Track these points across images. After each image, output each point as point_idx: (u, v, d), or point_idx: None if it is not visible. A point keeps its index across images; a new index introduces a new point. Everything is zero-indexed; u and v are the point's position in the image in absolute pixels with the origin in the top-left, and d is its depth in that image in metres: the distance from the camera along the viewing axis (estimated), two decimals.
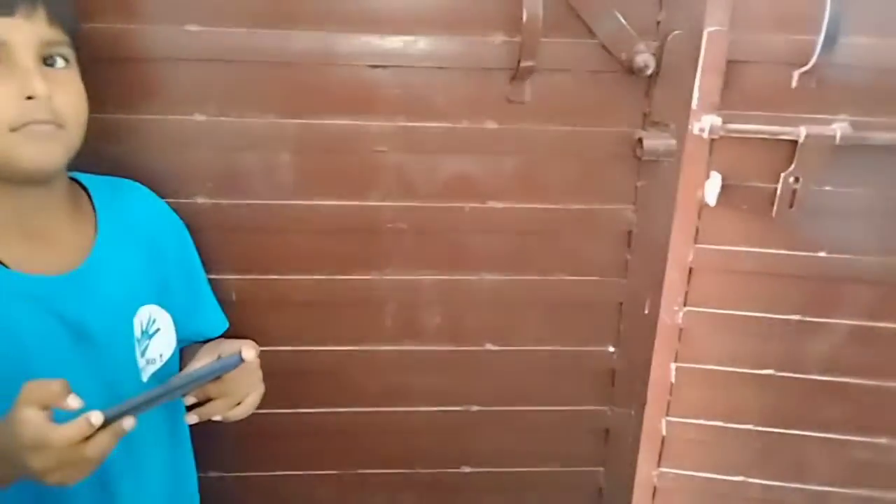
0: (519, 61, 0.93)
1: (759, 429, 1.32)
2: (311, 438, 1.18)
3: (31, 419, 0.63)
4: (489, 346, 1.14)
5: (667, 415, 1.32)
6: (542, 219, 1.06)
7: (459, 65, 0.97)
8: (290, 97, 0.98)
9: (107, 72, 0.90)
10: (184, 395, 0.82)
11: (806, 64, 1.06)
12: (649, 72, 0.94)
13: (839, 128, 1.09)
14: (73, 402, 0.66)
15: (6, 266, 0.75)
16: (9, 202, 0.76)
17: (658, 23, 0.96)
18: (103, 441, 0.65)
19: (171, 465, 0.95)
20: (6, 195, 0.75)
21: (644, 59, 0.93)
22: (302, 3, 0.94)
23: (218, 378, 0.79)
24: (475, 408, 1.18)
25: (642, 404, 1.21)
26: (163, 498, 0.92)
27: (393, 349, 1.12)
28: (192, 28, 0.93)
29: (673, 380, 1.29)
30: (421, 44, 0.97)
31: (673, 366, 1.28)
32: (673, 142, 0.99)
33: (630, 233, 1.08)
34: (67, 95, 0.76)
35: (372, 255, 1.07)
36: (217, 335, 0.98)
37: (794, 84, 1.09)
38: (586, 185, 1.04)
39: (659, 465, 1.37)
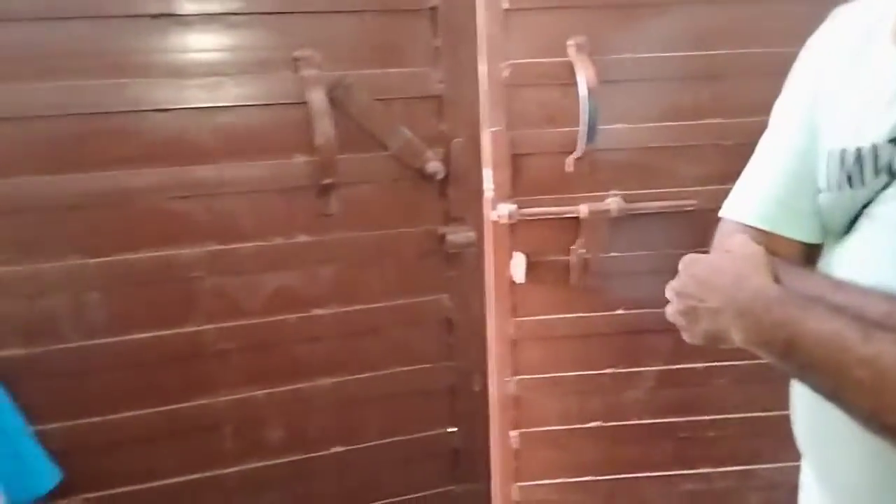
0: (321, 178, 0.99)
1: (600, 478, 1.41)
2: None
3: None
4: (336, 449, 1.16)
5: (515, 481, 1.39)
6: (366, 319, 1.11)
7: (265, 187, 1.02)
8: (92, 237, 0.98)
9: None
10: None
11: (575, 151, 1.21)
12: (440, 176, 1.03)
13: (613, 202, 1.25)
14: None
15: None
16: None
17: (441, 132, 1.06)
18: None
19: None
20: None
21: (434, 165, 1.02)
22: (93, 144, 0.96)
23: None
24: None
25: (487, 478, 1.27)
26: None
27: (237, 471, 1.11)
28: None
29: (517, 446, 1.36)
30: (225, 171, 1.01)
31: (514, 433, 1.36)
32: (472, 233, 1.09)
33: (449, 319, 1.15)
34: None
35: (201, 380, 1.07)
36: (49, 489, 0.93)
37: (569, 169, 1.24)
38: (402, 282, 1.12)
39: None
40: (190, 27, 0.99)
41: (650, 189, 1.26)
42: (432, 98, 1.06)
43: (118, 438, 1.05)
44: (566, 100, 1.18)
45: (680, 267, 0.67)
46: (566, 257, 1.27)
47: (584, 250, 1.27)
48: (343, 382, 1.14)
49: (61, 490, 0.93)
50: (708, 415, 1.40)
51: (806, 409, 0.66)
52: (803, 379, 0.59)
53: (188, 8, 0.97)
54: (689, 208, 1.26)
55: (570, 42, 1.17)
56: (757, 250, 0.63)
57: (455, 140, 1.06)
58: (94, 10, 0.94)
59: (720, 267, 0.64)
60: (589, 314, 1.32)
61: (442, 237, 1.09)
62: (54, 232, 0.98)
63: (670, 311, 0.66)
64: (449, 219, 1.10)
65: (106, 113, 0.97)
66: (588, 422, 1.38)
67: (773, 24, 1.17)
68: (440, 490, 1.25)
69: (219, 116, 1.01)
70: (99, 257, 1.00)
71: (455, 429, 1.22)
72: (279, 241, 1.05)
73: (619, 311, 1.33)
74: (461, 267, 1.14)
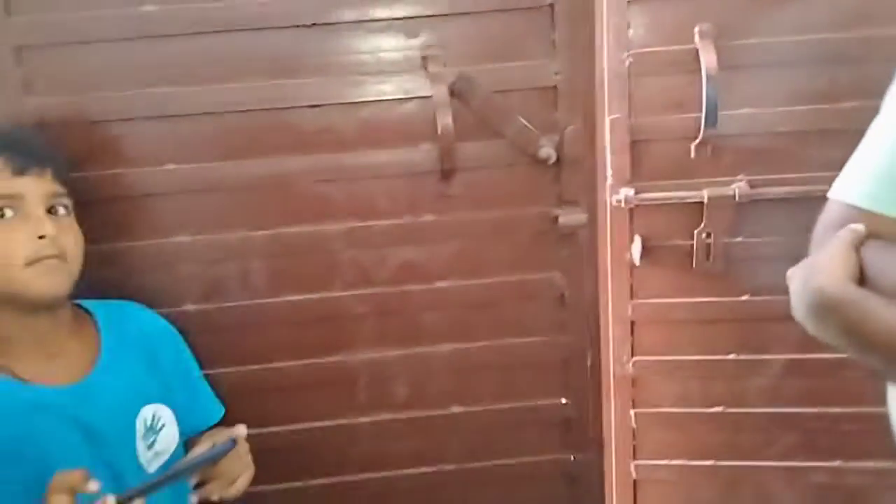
0: (442, 164, 1.11)
1: (722, 463, 1.42)
2: None
3: (59, 502, 0.79)
4: (455, 409, 1.29)
5: (634, 458, 1.44)
6: (484, 292, 1.22)
7: (396, 172, 1.16)
8: (258, 214, 1.17)
9: (100, 209, 1.09)
10: (185, 479, 0.97)
11: (697, 137, 1.23)
12: (552, 161, 1.11)
13: (737, 187, 1.25)
14: (92, 485, 0.81)
15: (23, 380, 0.92)
16: (23, 327, 0.94)
17: (556, 120, 1.14)
18: None
19: None
20: (20, 321, 0.93)
21: (546, 151, 1.11)
22: (258, 135, 1.14)
23: (214, 463, 0.94)
24: (449, 466, 1.31)
25: (600, 449, 1.33)
26: None
27: (369, 420, 1.27)
28: (171, 166, 1.13)
29: (634, 425, 1.41)
30: (361, 158, 1.16)
31: (632, 412, 1.41)
32: (584, 216, 1.16)
33: (562, 296, 1.23)
34: (69, 235, 0.95)
35: (341, 339, 1.23)
36: (216, 422, 1.13)
37: (692, 155, 1.26)
38: (517, 259, 1.21)
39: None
40: (338, 34, 1.15)
41: (778, 174, 1.24)
42: (548, 89, 1.14)
43: (270, 385, 1.24)
44: (691, 87, 1.20)
45: None
46: (687, 242, 1.29)
47: (706, 235, 1.28)
48: (461, 349, 1.25)
49: (224, 424, 1.12)
50: (840, 407, 1.36)
51: None
52: (883, 375, 0.62)
53: (335, 17, 1.13)
54: (818, 194, 1.23)
55: (696, 29, 1.19)
56: (841, 248, 0.65)
57: (568, 128, 1.13)
58: (260, 22, 1.12)
59: (804, 263, 0.68)
60: (711, 299, 1.33)
61: (555, 219, 1.17)
62: (229, 209, 1.18)
63: None
64: (562, 201, 1.18)
65: (270, 109, 1.15)
66: (710, 406, 1.39)
67: None
68: (553, 457, 1.33)
69: (359, 111, 1.16)
70: (262, 230, 1.18)
71: (567, 400, 1.29)
72: (407, 219, 1.19)
73: (744, 298, 1.33)
74: (574, 247, 1.21)
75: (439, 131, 1.07)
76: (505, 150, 1.15)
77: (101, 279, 1.06)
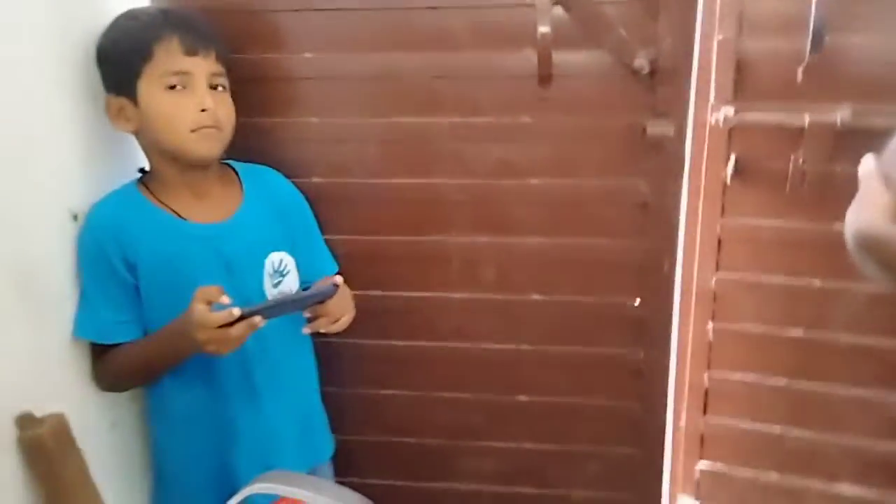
0: (539, 69, 1.21)
1: (795, 384, 1.47)
2: (398, 365, 1.52)
3: (198, 308, 1.03)
4: (535, 297, 1.43)
5: (708, 369, 1.52)
6: (571, 191, 1.33)
7: (498, 73, 1.28)
8: (376, 103, 1.33)
9: (249, 89, 1.29)
10: (299, 311, 1.17)
11: (803, 61, 1.24)
12: (645, 72, 1.18)
13: (840, 115, 1.25)
14: (225, 298, 1.05)
15: (181, 217, 1.17)
16: (182, 176, 1.17)
17: (655, 34, 1.19)
18: (241, 328, 1.02)
19: (294, 364, 1.31)
20: (180, 171, 1.17)
21: (640, 62, 1.17)
22: (381, 32, 1.29)
23: (321, 302, 1.15)
24: (526, 347, 1.47)
25: (667, 350, 1.43)
26: (291, 390, 1.29)
27: (459, 297, 1.44)
28: (308, 55, 1.32)
29: (711, 338, 1.48)
30: (469, 58, 1.28)
31: (710, 326, 1.48)
32: (671, 128, 1.23)
33: (645, 203, 1.31)
34: (225, 108, 1.16)
35: (440, 221, 1.39)
36: (331, 275, 1.31)
37: (797, 78, 1.26)
38: (605, 164, 1.30)
39: (705, 413, 1.56)
40: None
41: (884, 104, 1.23)
42: (650, 1, 1.19)
43: (379, 255, 1.43)
44: (800, 7, 1.20)
45: None
46: (783, 166, 1.31)
47: (803, 160, 1.30)
48: (546, 243, 1.38)
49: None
50: None
51: None
52: None
53: None
54: None
55: None
56: (876, 185, 0.69)
57: (666, 41, 1.19)
58: None
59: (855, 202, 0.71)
60: (802, 224, 1.35)
61: (644, 129, 1.24)
62: (353, 97, 1.35)
63: None
64: (653, 113, 1.25)
65: (393, 8, 1.28)
66: (789, 327, 1.43)
67: None
68: (623, 350, 1.45)
69: (470, 14, 1.27)
70: (380, 118, 1.35)
71: (640, 301, 1.39)
72: (506, 119, 1.30)
73: (836, 225, 1.33)
74: (661, 158, 1.28)
75: (538, 38, 1.17)
76: (602, 59, 1.23)
77: (246, 147, 1.28)
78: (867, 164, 0.70)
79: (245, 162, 1.28)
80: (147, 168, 1.19)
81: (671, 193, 1.30)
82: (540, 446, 1.52)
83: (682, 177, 1.30)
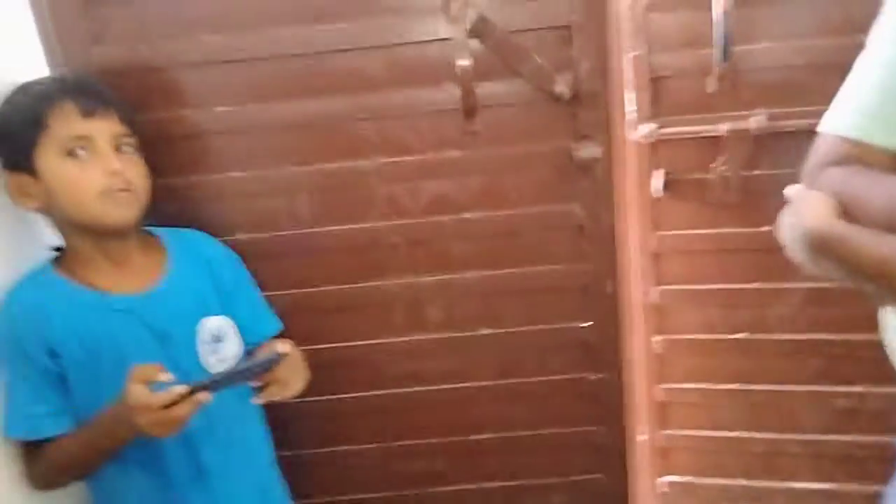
0: (463, 103, 1.21)
1: (746, 387, 1.49)
2: (352, 418, 1.46)
3: (136, 390, 0.95)
4: (484, 331, 1.40)
5: (659, 382, 1.52)
6: (507, 222, 1.32)
7: (422, 110, 1.26)
8: (301, 151, 1.30)
9: (160, 148, 1.23)
10: (245, 382, 1.10)
11: (712, 72, 1.28)
12: (567, 97, 1.19)
13: (755, 121, 1.29)
14: (165, 376, 0.97)
15: (103, 291, 1.09)
16: (99, 248, 1.10)
17: (570, 58, 1.21)
18: (185, 407, 0.95)
19: (244, 437, 1.23)
20: (96, 243, 1.09)
21: (561, 88, 1.18)
22: (297, 78, 1.26)
23: (269, 370, 1.08)
24: (480, 383, 1.43)
25: (619, 369, 1.43)
26: (243, 465, 1.21)
27: (405, 340, 1.40)
28: (220, 108, 1.27)
29: (658, 350, 1.49)
30: (392, 98, 1.26)
31: (656, 339, 1.49)
32: (599, 150, 1.24)
33: (581, 226, 1.31)
34: (135, 170, 1.10)
35: (377, 266, 1.36)
36: (274, 334, 1.26)
37: (710, 90, 1.30)
38: (537, 191, 1.30)
39: (663, 427, 1.56)
40: None
41: (795, 108, 1.27)
42: (563, 28, 1.20)
43: (317, 307, 1.37)
44: (706, 22, 1.24)
45: None
46: (707, 175, 1.34)
47: (725, 168, 1.33)
48: (488, 276, 1.36)
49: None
50: (861, 334, 1.40)
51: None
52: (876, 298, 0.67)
53: None
54: None
55: None
56: (812, 193, 0.70)
57: (583, 65, 1.20)
58: None
59: (789, 210, 0.72)
60: (732, 230, 1.38)
61: (571, 153, 1.25)
62: (274, 147, 1.31)
63: None
64: (579, 136, 1.25)
65: (305, 54, 1.25)
66: (733, 333, 1.45)
67: None
68: (575, 376, 1.43)
69: (387, 53, 1.25)
70: (305, 166, 1.31)
71: (586, 324, 1.38)
72: (433, 155, 1.29)
73: (765, 228, 1.37)
74: (591, 180, 1.28)
75: (458, 72, 1.16)
76: (523, 88, 1.23)
77: (164, 211, 1.21)
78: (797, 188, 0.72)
79: (166, 226, 1.21)
80: (61, 245, 1.11)
81: (605, 214, 1.31)
82: (506, 483, 1.49)
83: (613, 196, 1.31)
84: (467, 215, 1.32)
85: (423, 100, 1.25)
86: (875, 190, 0.66)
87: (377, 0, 1.22)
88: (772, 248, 1.36)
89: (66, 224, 1.08)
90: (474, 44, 1.19)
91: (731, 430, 1.52)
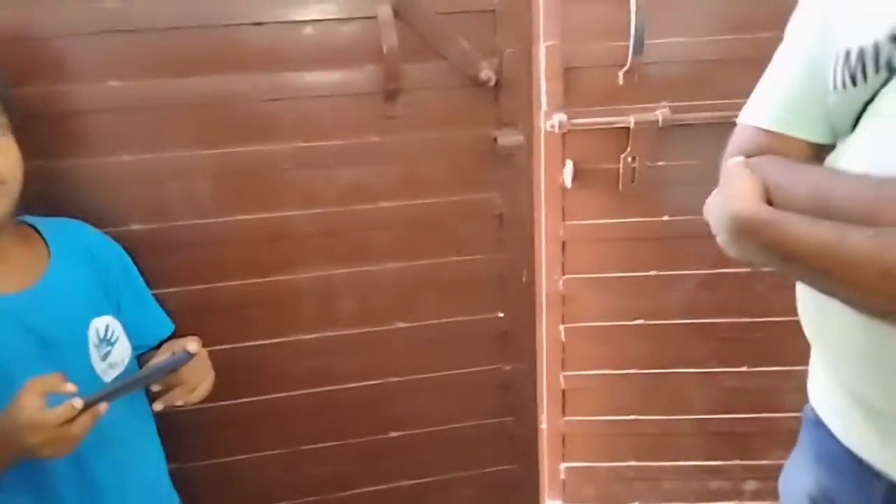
0: (387, 84, 1.15)
1: (642, 371, 1.55)
2: (255, 424, 1.36)
3: (27, 405, 0.81)
4: (399, 325, 1.35)
5: (563, 370, 1.55)
6: (426, 211, 1.28)
7: (340, 92, 1.19)
8: (203, 132, 1.18)
9: (42, 126, 1.08)
10: (147, 386, 0.99)
11: (625, 65, 1.31)
12: (492, 83, 1.17)
13: (661, 113, 1.34)
14: (70, 387, 0.84)
15: None
16: None
17: (496, 44, 1.18)
18: (85, 421, 0.83)
19: (138, 450, 1.11)
20: None
21: (486, 74, 1.16)
22: (202, 53, 1.14)
23: (174, 371, 0.97)
24: (393, 379, 1.38)
25: (533, 359, 1.43)
26: (138, 480, 1.08)
27: (315, 337, 1.32)
28: (114, 83, 1.12)
29: (563, 339, 1.51)
30: (307, 78, 1.18)
31: (562, 327, 1.51)
32: (521, 137, 1.23)
33: (500, 215, 1.30)
34: (6, 158, 0.93)
35: (286, 258, 1.27)
36: (165, 337, 1.14)
37: (620, 82, 1.33)
38: (458, 179, 1.27)
39: (564, 413, 1.59)
40: None
41: (699, 101, 1.34)
42: (488, 12, 1.18)
43: (218, 304, 1.26)
44: (619, 15, 1.27)
45: None
46: (615, 165, 1.38)
47: (631, 159, 1.37)
48: (405, 267, 1.31)
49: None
50: (749, 317, 1.50)
51: (807, 295, 0.74)
52: (801, 281, 0.68)
53: None
54: (735, 120, 1.33)
55: None
56: (743, 173, 0.71)
57: (507, 51, 1.18)
58: None
59: (718, 191, 0.73)
60: (635, 219, 1.43)
61: (494, 140, 1.23)
62: (173, 128, 1.18)
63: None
64: (501, 124, 1.24)
65: (214, 26, 1.14)
66: (632, 319, 1.50)
67: None
68: (491, 367, 1.42)
69: (303, 30, 1.17)
70: (208, 150, 1.19)
71: (503, 314, 1.37)
72: (353, 140, 1.22)
73: (665, 217, 1.43)
74: (512, 168, 1.28)
75: (385, 51, 1.10)
76: (446, 72, 1.20)
77: (44, 196, 1.05)
78: (733, 160, 0.74)
79: (45, 216, 1.05)
80: None
81: (524, 202, 1.30)
82: (418, 481, 1.45)
83: (532, 185, 1.31)
84: (385, 203, 1.26)
85: (341, 80, 1.18)
86: (798, 178, 0.68)
87: None
88: (671, 236, 1.45)
89: None
90: (399, 23, 1.13)
91: (626, 413, 1.58)
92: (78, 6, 1.08)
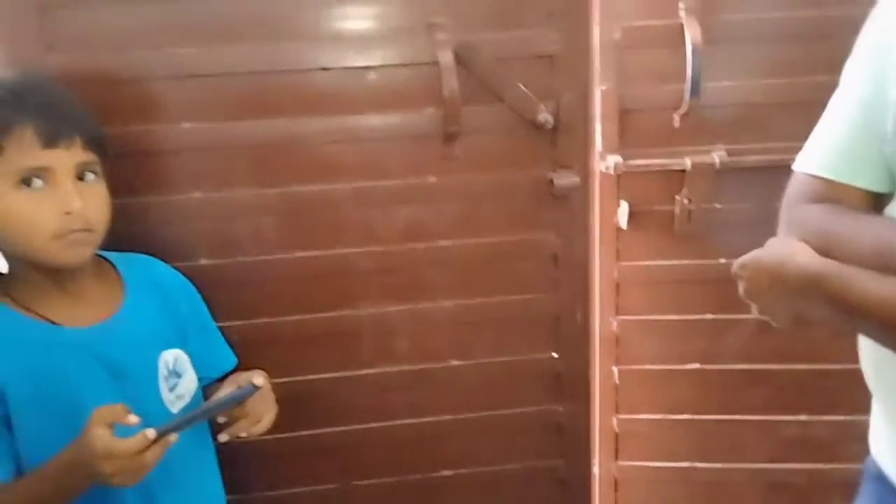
0: (445, 128, 1.18)
1: (697, 417, 1.52)
2: (310, 457, 1.37)
3: (101, 435, 0.83)
4: (453, 362, 1.36)
5: (616, 413, 1.53)
6: (483, 251, 1.30)
7: (402, 134, 1.23)
8: (269, 173, 1.22)
9: (123, 165, 1.13)
10: (213, 417, 1.01)
11: (680, 107, 1.32)
12: (550, 126, 1.19)
13: (717, 155, 1.34)
14: (132, 418, 0.87)
15: (53, 322, 0.96)
16: (49, 278, 0.96)
17: (553, 88, 1.21)
18: (156, 451, 0.85)
19: (200, 481, 1.13)
20: (46, 273, 0.96)
21: (543, 117, 1.18)
22: (270, 96, 1.19)
23: (240, 403, 1.00)
24: (447, 417, 1.39)
25: (587, 400, 1.42)
26: None
27: (372, 372, 1.34)
28: (186, 125, 1.18)
29: (617, 381, 1.50)
30: (370, 121, 1.22)
31: (615, 369, 1.50)
32: (577, 179, 1.24)
33: (555, 255, 1.31)
34: (97, 204, 0.96)
35: (346, 294, 1.29)
36: (230, 370, 1.17)
37: (676, 124, 1.34)
38: (514, 220, 1.29)
39: (616, 458, 1.56)
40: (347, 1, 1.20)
41: (755, 144, 1.33)
42: (546, 57, 1.21)
43: (279, 338, 1.29)
44: (675, 59, 1.28)
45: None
46: (670, 207, 1.38)
47: (687, 201, 1.37)
48: (461, 305, 1.33)
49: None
50: (808, 363, 1.46)
51: (871, 348, 0.73)
52: (865, 335, 0.67)
53: None
54: (790, 163, 1.33)
55: (681, 4, 1.27)
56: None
57: (564, 94, 1.21)
58: None
59: (766, 253, 0.74)
60: (691, 261, 1.42)
61: (550, 181, 1.25)
62: (241, 168, 1.23)
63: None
64: (557, 165, 1.26)
65: (280, 71, 1.19)
66: (687, 363, 1.48)
67: None
68: (544, 407, 1.41)
69: (368, 74, 1.21)
70: (274, 189, 1.24)
71: (557, 355, 1.37)
72: (412, 180, 1.25)
73: (721, 260, 1.42)
74: (567, 209, 1.29)
75: (446, 95, 1.14)
76: (504, 115, 1.22)
77: (119, 233, 1.10)
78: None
79: (119, 251, 1.10)
80: (4, 269, 0.98)
81: (579, 243, 1.31)
82: None
83: (587, 226, 1.32)
84: (442, 242, 1.28)
85: (401, 123, 1.22)
86: (859, 229, 0.67)
87: (362, 20, 1.17)
88: (727, 279, 1.43)
89: (14, 252, 0.96)
90: (459, 69, 1.17)
91: (680, 460, 1.54)
92: (151, 51, 1.15)
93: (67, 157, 0.92)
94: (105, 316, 1.01)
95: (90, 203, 0.94)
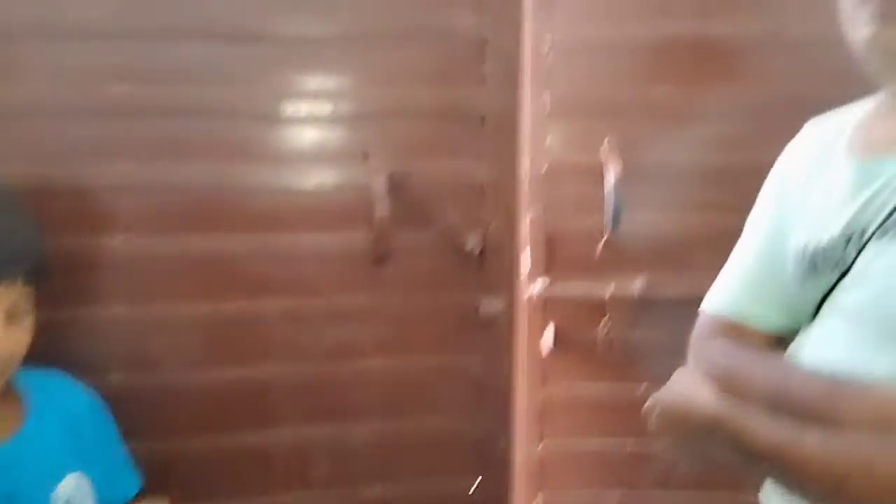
0: (375, 250, 1.20)
1: None
2: None
3: None
4: (376, 488, 1.32)
5: None
6: (408, 373, 1.29)
7: (333, 254, 1.24)
8: (199, 288, 1.21)
9: (53, 278, 1.09)
10: None
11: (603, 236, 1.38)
12: (476, 252, 1.23)
13: (637, 285, 1.39)
14: None
15: None
16: None
17: (481, 216, 1.26)
18: None
19: None
20: None
21: (472, 244, 1.22)
22: (204, 212, 1.20)
23: None
24: None
25: None
26: None
27: (290, 498, 1.28)
28: (119, 238, 1.17)
29: None
30: (302, 240, 1.23)
31: (540, 495, 1.48)
32: (502, 305, 1.27)
33: (479, 380, 1.32)
34: (20, 340, 0.93)
35: (265, 414, 1.26)
36: (132, 496, 1.11)
37: (598, 254, 1.40)
38: (441, 343, 1.30)
39: None
40: (286, 125, 1.25)
41: (674, 275, 1.39)
42: (475, 186, 1.27)
43: (192, 459, 1.24)
44: (599, 191, 1.35)
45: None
46: (593, 333, 1.41)
47: (608, 329, 1.41)
48: (384, 427, 1.30)
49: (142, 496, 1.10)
50: (737, 491, 1.47)
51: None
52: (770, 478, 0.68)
53: (286, 111, 1.23)
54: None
55: (605, 140, 1.35)
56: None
57: (493, 222, 1.26)
58: (216, 108, 1.20)
59: (668, 393, 0.75)
60: (616, 384, 1.44)
61: (477, 307, 1.27)
62: (170, 282, 1.21)
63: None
64: (484, 291, 1.29)
65: (216, 188, 1.21)
66: (611, 489, 1.47)
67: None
68: None
69: (302, 196, 1.24)
70: (201, 304, 1.22)
71: (479, 480, 1.35)
72: (341, 300, 1.25)
73: (644, 384, 1.45)
74: (493, 335, 1.31)
75: (376, 220, 1.17)
76: (434, 240, 1.26)
77: (38, 345, 1.06)
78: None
79: (35, 364, 1.05)
80: None
81: (504, 369, 1.33)
82: None
83: (512, 351, 1.34)
84: (368, 361, 1.27)
85: (334, 244, 1.24)
86: (755, 369, 0.70)
87: (302, 143, 1.21)
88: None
89: None
90: (392, 194, 1.20)
91: None
92: (82, 163, 1.15)
93: (4, 297, 0.89)
94: (4, 437, 0.95)
95: (13, 339, 0.91)
